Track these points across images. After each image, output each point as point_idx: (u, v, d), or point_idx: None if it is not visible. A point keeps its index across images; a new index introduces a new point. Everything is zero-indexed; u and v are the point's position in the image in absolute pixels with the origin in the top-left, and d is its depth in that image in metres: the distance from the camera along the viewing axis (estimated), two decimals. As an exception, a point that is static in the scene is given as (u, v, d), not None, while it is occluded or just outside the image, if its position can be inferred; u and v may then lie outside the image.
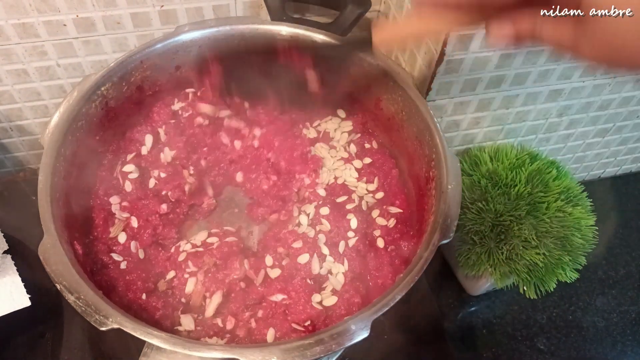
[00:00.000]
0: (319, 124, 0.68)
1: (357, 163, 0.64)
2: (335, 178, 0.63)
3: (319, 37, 0.63)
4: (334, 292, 0.54)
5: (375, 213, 0.61)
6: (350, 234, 0.59)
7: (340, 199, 0.61)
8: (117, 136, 0.62)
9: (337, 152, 0.65)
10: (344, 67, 0.59)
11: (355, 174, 0.63)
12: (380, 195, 0.62)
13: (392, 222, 0.60)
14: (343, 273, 0.56)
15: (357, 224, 0.59)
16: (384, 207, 0.61)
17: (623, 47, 0.29)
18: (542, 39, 0.33)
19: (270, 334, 0.50)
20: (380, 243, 0.58)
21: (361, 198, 0.62)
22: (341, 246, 0.57)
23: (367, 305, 0.44)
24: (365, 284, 0.56)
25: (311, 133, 0.67)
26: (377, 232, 0.59)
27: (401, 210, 0.61)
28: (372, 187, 0.63)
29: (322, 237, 0.58)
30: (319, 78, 0.55)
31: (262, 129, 0.66)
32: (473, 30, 0.53)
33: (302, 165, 0.64)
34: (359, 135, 0.67)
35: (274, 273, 0.56)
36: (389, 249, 0.58)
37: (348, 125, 0.67)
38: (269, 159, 0.65)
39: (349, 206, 0.61)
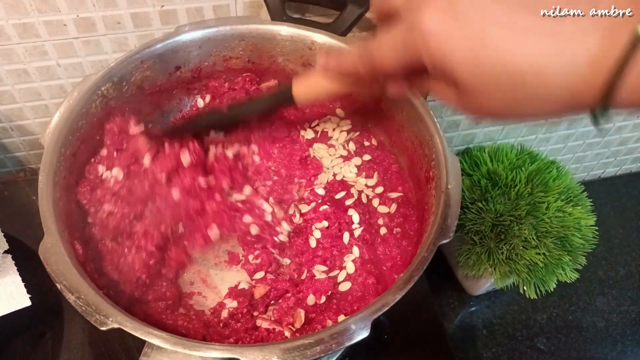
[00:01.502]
0: (317, 124, 0.68)
1: (357, 160, 0.64)
2: (334, 175, 0.64)
3: (319, 37, 0.63)
4: (348, 277, 0.56)
5: (376, 202, 0.62)
6: (355, 225, 0.60)
7: (339, 195, 0.62)
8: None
9: (335, 150, 0.65)
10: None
11: (355, 170, 0.64)
12: (380, 189, 0.62)
13: (393, 208, 0.61)
14: (352, 260, 0.57)
15: (359, 217, 0.60)
16: (385, 194, 0.62)
17: (491, 110, 0.34)
18: (434, 94, 0.39)
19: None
20: (384, 230, 0.60)
21: (360, 192, 0.62)
22: (345, 237, 0.59)
23: (370, 303, 0.44)
24: (377, 266, 0.57)
25: (309, 134, 0.67)
26: (380, 221, 0.61)
27: (401, 194, 0.62)
28: (371, 182, 0.63)
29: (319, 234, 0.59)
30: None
31: (257, 143, 0.66)
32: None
33: (303, 170, 0.64)
34: (357, 133, 0.67)
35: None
36: (394, 232, 0.59)
37: (347, 123, 0.67)
38: (269, 168, 0.65)
39: (348, 202, 0.61)
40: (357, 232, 0.59)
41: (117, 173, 0.56)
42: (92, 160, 0.58)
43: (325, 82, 0.46)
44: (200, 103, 0.68)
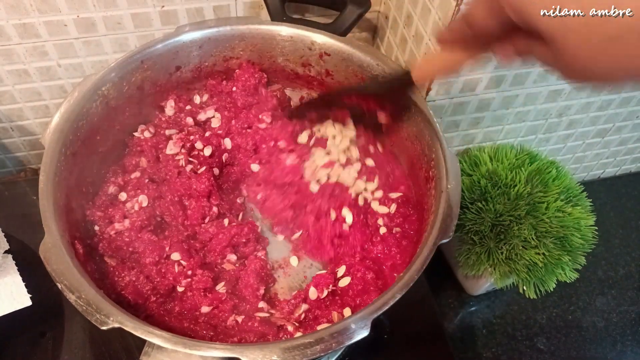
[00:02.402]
0: (318, 129, 0.68)
1: (357, 165, 0.64)
2: (328, 177, 0.64)
3: (319, 37, 0.63)
4: (347, 272, 0.57)
5: (375, 204, 0.62)
6: (345, 226, 0.60)
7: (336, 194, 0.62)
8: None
9: (337, 155, 0.65)
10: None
11: (355, 174, 0.64)
12: (379, 194, 0.62)
13: (393, 208, 0.61)
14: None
15: (354, 218, 0.60)
16: (385, 194, 0.63)
17: (592, 70, 0.32)
18: (535, 56, 0.38)
19: None
20: (384, 230, 0.60)
21: (358, 194, 0.63)
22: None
23: (367, 305, 0.44)
24: (376, 263, 0.58)
25: (303, 138, 0.66)
26: (380, 221, 0.61)
27: (401, 194, 0.62)
28: (371, 186, 0.63)
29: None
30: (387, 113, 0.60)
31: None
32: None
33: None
34: (361, 138, 0.67)
35: None
36: (393, 231, 0.60)
37: (350, 130, 0.66)
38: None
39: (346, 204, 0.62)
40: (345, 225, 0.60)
41: (142, 199, 0.59)
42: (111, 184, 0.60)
43: (442, 56, 0.47)
44: (197, 100, 0.68)
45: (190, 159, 0.61)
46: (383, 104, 0.59)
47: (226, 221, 0.61)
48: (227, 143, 0.65)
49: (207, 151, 0.62)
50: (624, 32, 0.29)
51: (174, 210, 0.59)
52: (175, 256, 0.56)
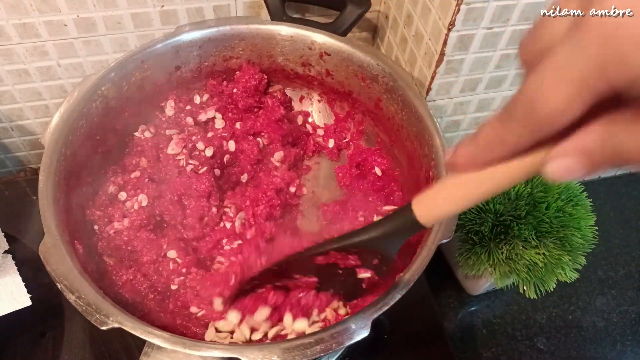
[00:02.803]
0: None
1: None
2: None
3: (319, 37, 0.63)
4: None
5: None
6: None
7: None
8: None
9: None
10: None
11: None
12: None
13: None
14: None
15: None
16: (378, 208, 0.63)
17: None
18: (625, 152, 0.22)
19: None
20: None
21: None
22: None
23: (366, 306, 0.44)
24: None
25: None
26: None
27: (397, 207, 0.61)
28: None
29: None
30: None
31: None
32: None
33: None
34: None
35: None
36: None
37: None
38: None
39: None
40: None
41: (142, 199, 0.58)
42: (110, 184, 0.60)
43: (460, 186, 0.32)
44: (197, 100, 0.68)
45: (192, 160, 0.61)
46: (368, 258, 0.44)
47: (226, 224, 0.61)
48: (231, 145, 0.65)
49: (209, 152, 0.62)
50: None
51: (174, 209, 0.59)
52: (172, 254, 0.56)
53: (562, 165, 0.24)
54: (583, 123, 0.23)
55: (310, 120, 0.73)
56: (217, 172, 0.63)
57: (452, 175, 0.32)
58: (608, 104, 0.22)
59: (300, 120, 0.71)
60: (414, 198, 0.36)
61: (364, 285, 0.46)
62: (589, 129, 0.23)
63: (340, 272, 0.45)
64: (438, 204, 0.35)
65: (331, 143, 0.71)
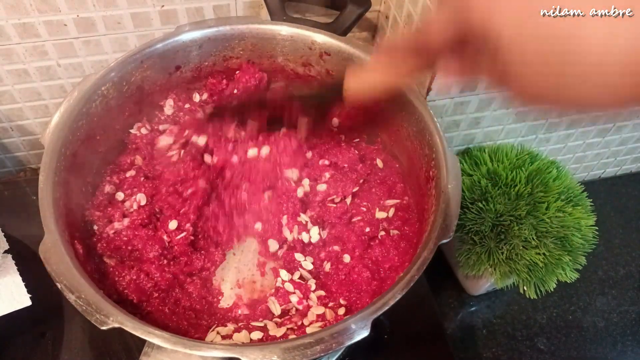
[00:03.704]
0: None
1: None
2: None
3: (319, 36, 0.63)
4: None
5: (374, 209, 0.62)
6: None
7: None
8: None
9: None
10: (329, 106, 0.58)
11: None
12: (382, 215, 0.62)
13: (391, 212, 0.61)
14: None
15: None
16: (381, 202, 0.63)
17: (539, 91, 0.30)
18: (481, 76, 0.36)
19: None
20: (382, 232, 0.60)
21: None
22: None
23: (367, 305, 0.44)
24: (374, 263, 0.58)
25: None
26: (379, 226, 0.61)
27: (398, 200, 0.62)
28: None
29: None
30: (310, 122, 0.58)
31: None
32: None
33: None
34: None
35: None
36: (391, 234, 0.60)
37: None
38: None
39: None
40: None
41: (140, 198, 0.59)
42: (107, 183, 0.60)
43: (378, 72, 0.44)
44: (197, 98, 0.68)
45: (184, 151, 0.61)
46: (307, 112, 0.56)
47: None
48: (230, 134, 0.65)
49: (202, 140, 0.61)
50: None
51: (172, 200, 0.59)
52: (173, 224, 0.57)
53: (447, 66, 0.38)
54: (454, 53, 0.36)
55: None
56: (208, 158, 0.62)
57: (371, 65, 0.46)
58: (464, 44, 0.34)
59: None
60: (347, 71, 0.47)
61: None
62: (467, 53, 0.35)
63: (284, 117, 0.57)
64: (359, 80, 0.47)
65: None
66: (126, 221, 0.57)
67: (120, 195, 0.60)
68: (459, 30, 0.33)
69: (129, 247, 0.56)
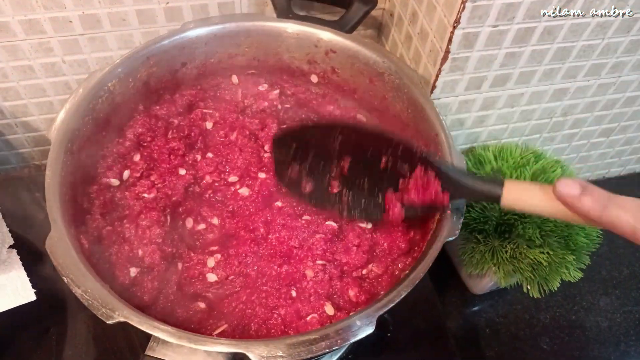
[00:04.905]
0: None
1: None
2: None
3: (325, 34, 0.63)
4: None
5: None
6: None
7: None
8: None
9: None
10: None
11: None
12: None
13: None
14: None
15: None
16: None
17: None
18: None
19: None
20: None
21: None
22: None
23: (372, 302, 0.44)
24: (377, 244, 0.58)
25: None
26: None
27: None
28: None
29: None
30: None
31: None
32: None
33: None
34: None
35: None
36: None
37: None
38: None
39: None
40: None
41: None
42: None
43: (545, 199, 0.43)
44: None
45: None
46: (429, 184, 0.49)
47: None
48: (208, 126, 0.65)
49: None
50: None
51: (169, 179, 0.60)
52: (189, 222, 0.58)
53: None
54: None
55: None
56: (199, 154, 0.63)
57: (541, 188, 0.43)
58: None
59: None
60: (507, 180, 0.45)
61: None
62: None
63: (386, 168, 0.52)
64: (524, 196, 0.44)
65: None
66: (131, 217, 0.57)
67: (124, 192, 0.59)
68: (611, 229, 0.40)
69: (135, 242, 0.56)
